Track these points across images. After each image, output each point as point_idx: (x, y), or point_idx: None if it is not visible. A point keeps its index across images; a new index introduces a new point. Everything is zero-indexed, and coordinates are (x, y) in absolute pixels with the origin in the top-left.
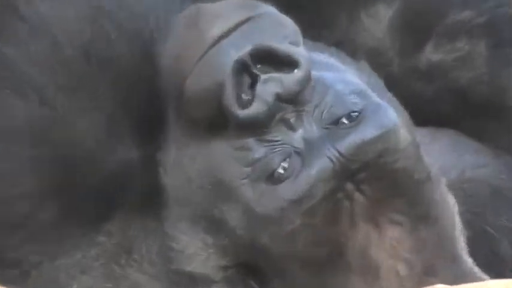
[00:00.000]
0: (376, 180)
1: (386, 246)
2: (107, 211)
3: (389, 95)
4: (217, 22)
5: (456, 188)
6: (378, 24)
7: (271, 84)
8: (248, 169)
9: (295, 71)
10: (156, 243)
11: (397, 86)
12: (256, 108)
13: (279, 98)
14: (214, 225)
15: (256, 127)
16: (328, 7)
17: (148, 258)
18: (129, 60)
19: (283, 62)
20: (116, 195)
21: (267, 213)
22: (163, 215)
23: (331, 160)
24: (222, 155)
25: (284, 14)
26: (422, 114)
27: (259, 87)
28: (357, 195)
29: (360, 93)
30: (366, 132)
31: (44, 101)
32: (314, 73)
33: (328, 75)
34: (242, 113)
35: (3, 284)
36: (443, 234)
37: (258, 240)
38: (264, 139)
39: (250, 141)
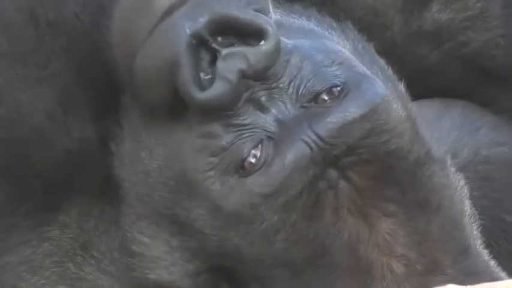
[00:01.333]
0: (365, 165)
1: (379, 241)
2: (60, 199)
3: (381, 63)
4: None
5: (470, 169)
6: None
7: (234, 60)
8: (214, 159)
9: (262, 42)
10: (118, 237)
11: (398, 51)
12: (217, 89)
13: (244, 75)
14: (178, 225)
15: (220, 110)
16: None
17: (109, 256)
18: (84, 23)
19: (247, 33)
20: (72, 181)
21: (236, 211)
22: (122, 211)
23: (309, 145)
24: (184, 145)
25: None
26: (428, 83)
27: (220, 64)
28: (342, 184)
29: (342, 64)
30: (349, 110)
31: None
32: (289, 42)
33: (305, 44)
34: (201, 95)
35: None
36: (449, 224)
37: (229, 242)
38: (230, 123)
39: (215, 127)
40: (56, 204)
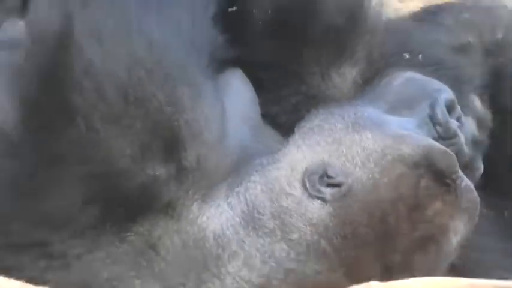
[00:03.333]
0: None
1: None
2: (135, 215)
3: None
4: None
5: None
6: (344, 82)
7: (463, 128)
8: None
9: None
10: (180, 240)
11: None
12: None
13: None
14: None
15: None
16: (308, 68)
17: (173, 252)
18: (158, 100)
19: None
20: (144, 203)
21: None
22: None
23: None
24: None
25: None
26: None
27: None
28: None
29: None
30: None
31: (90, 127)
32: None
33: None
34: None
35: (48, 274)
36: None
37: None
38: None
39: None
40: (133, 219)
